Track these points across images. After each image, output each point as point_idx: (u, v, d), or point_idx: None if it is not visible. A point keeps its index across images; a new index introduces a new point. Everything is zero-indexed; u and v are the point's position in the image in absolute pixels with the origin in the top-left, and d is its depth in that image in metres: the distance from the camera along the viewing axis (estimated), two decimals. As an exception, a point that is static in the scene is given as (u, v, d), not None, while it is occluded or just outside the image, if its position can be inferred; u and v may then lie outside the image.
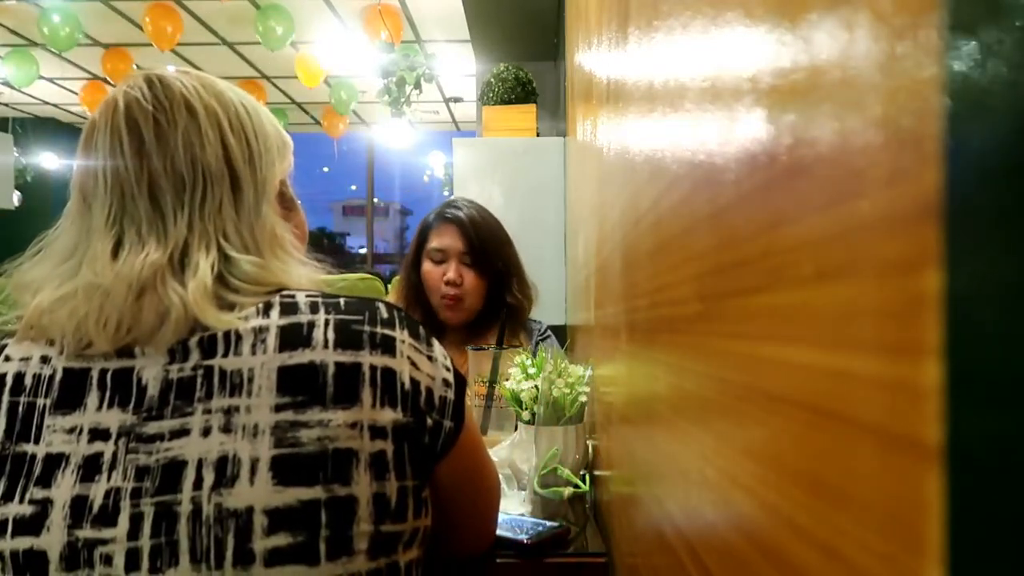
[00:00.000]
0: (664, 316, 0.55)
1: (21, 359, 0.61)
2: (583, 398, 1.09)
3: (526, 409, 1.13)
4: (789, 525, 0.28)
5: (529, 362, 1.17)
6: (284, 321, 0.60)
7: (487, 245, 1.55)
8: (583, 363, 1.16)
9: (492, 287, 1.56)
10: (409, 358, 0.62)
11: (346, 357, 0.59)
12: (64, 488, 0.55)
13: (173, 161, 0.63)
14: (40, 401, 0.59)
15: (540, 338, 1.61)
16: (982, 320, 0.17)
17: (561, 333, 2.13)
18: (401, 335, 0.63)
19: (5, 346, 0.63)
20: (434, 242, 1.56)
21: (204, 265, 0.61)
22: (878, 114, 0.21)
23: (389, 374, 0.60)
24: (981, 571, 0.17)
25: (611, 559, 0.89)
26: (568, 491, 1.05)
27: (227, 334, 0.59)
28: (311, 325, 0.60)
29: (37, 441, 0.57)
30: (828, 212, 0.25)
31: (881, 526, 0.21)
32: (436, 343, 0.67)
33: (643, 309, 0.65)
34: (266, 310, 0.61)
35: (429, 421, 0.62)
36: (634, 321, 0.71)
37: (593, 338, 1.23)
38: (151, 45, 4.77)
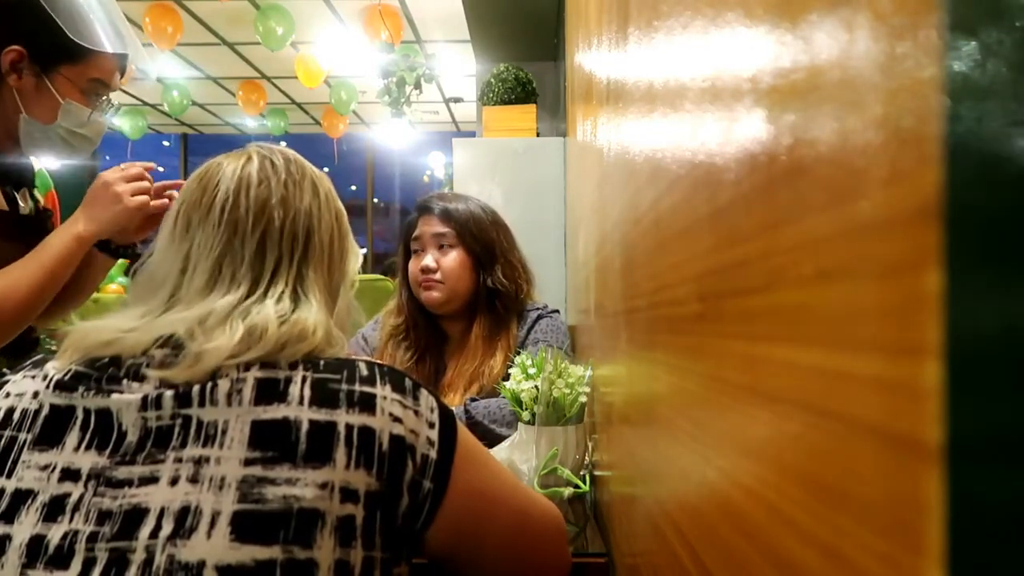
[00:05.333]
0: (664, 316, 0.55)
1: (17, 395, 0.63)
2: (583, 398, 1.09)
3: (526, 409, 1.13)
4: (789, 525, 0.28)
5: (529, 362, 1.17)
6: (261, 374, 0.59)
7: (464, 226, 1.47)
8: (583, 363, 1.16)
9: (475, 271, 1.48)
10: (391, 414, 0.60)
11: (321, 415, 0.58)
12: (26, 526, 0.55)
13: (294, 222, 0.69)
14: (22, 436, 0.60)
15: (535, 319, 1.48)
16: (982, 320, 0.17)
17: (561, 333, 2.13)
18: (382, 391, 0.61)
19: (7, 381, 0.65)
20: (413, 235, 1.51)
21: (272, 311, 0.64)
22: (878, 114, 0.21)
23: (367, 433, 0.58)
24: (981, 571, 0.17)
25: (611, 559, 0.89)
26: (568, 491, 1.05)
27: (203, 383, 0.59)
28: (288, 380, 0.59)
29: (10, 475, 0.58)
30: (828, 212, 0.25)
31: (881, 526, 0.21)
32: (424, 394, 0.64)
33: (643, 309, 0.65)
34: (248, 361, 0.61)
35: (407, 482, 0.59)
36: (634, 321, 0.71)
37: (593, 338, 1.23)
38: (151, 45, 4.78)
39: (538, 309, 1.51)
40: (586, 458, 1.13)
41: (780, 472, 0.29)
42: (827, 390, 0.25)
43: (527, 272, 1.53)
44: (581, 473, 1.11)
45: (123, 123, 7.01)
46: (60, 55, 1.19)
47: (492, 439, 1.24)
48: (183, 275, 0.66)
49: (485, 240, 1.49)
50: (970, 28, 0.17)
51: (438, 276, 1.46)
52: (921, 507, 0.19)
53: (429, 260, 1.46)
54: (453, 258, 1.46)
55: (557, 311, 1.53)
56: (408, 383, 0.64)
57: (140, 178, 1.20)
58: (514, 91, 2.66)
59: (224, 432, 0.57)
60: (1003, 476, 0.16)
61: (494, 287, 1.47)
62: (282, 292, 0.66)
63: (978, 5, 0.17)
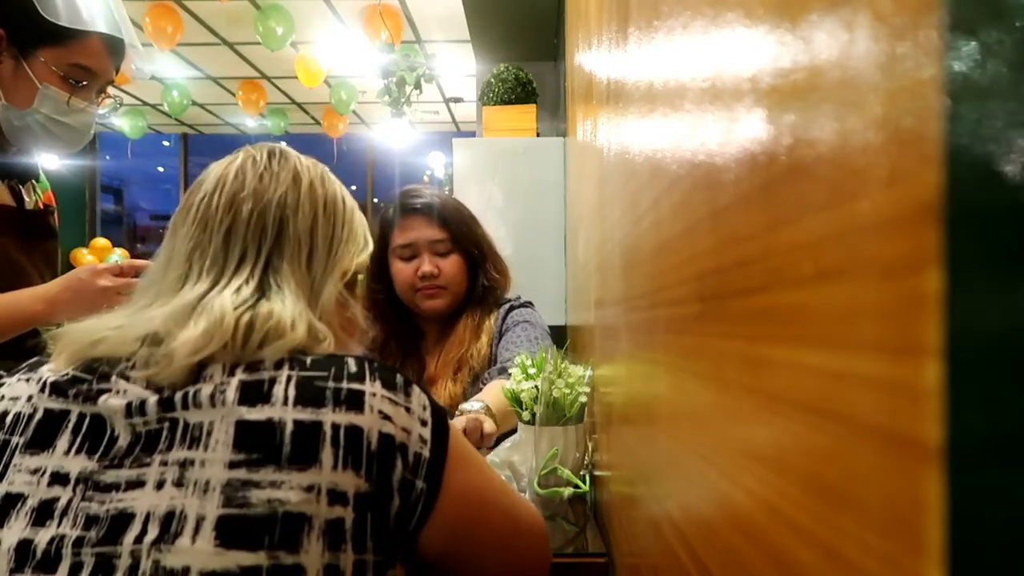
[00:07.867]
0: (664, 316, 0.55)
1: (11, 398, 0.63)
2: (583, 398, 1.09)
3: (526, 409, 1.13)
4: (789, 525, 0.28)
5: (529, 362, 1.17)
6: (246, 376, 0.59)
7: (458, 229, 1.44)
8: (583, 363, 1.16)
9: (470, 270, 1.47)
10: (380, 412, 0.59)
11: (306, 415, 0.56)
12: (15, 530, 0.55)
13: (263, 213, 0.68)
14: (15, 439, 0.60)
15: (508, 309, 1.49)
16: (982, 320, 0.17)
17: (561, 333, 2.13)
18: (372, 388, 0.60)
19: (2, 384, 0.65)
20: (399, 239, 1.44)
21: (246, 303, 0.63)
22: (878, 114, 0.21)
23: (354, 433, 0.57)
24: (981, 571, 0.17)
25: (611, 559, 0.89)
26: (568, 491, 1.06)
27: (186, 389, 0.59)
28: (272, 381, 0.58)
29: (0, 479, 0.58)
30: (828, 212, 0.25)
31: (881, 526, 0.21)
32: (416, 391, 0.63)
33: (643, 309, 0.65)
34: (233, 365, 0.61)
35: (397, 483, 0.58)
36: (634, 321, 0.71)
37: (593, 338, 1.23)
38: (151, 45, 4.77)
39: (509, 301, 1.52)
40: (586, 458, 1.13)
41: (780, 472, 0.29)
42: (827, 390, 0.25)
43: (504, 263, 1.53)
44: (581, 473, 1.11)
45: (123, 123, 7.01)
46: (38, 37, 1.16)
47: None
48: (164, 273, 0.68)
49: (476, 240, 1.48)
50: (970, 28, 0.17)
51: (441, 282, 1.43)
52: (921, 507, 0.19)
53: (430, 267, 1.42)
54: (454, 263, 1.44)
55: (530, 302, 1.54)
56: (399, 379, 0.63)
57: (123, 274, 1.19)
58: (514, 91, 2.66)
59: (209, 434, 0.56)
60: (1003, 476, 0.16)
61: (488, 284, 1.47)
62: (245, 281, 0.65)
63: (978, 5, 0.17)
